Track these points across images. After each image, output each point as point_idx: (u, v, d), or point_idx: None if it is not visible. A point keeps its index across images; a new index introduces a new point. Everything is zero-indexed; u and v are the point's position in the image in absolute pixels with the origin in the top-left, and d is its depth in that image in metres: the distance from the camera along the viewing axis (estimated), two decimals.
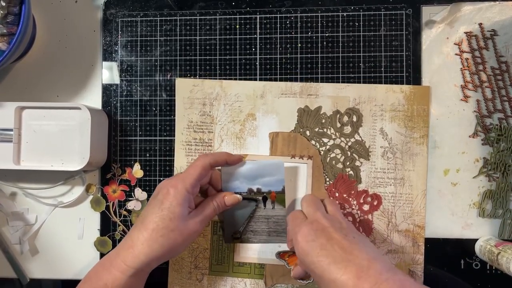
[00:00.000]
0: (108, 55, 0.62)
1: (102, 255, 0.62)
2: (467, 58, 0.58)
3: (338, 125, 0.59)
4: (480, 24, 0.58)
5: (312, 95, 0.59)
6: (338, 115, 0.59)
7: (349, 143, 0.59)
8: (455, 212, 0.58)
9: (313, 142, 0.59)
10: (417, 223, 0.58)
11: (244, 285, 0.60)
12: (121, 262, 0.48)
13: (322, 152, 0.59)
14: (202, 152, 0.60)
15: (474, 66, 0.58)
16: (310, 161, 0.59)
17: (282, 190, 0.58)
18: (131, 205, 0.62)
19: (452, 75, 0.58)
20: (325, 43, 0.60)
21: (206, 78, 0.61)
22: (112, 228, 0.62)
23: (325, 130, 0.59)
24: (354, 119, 0.59)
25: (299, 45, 0.60)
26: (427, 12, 0.59)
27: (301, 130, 0.59)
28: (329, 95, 0.59)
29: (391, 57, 0.59)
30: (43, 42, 0.63)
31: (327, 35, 0.60)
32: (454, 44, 0.58)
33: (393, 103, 0.58)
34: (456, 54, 0.58)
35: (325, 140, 0.59)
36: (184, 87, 0.61)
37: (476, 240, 0.58)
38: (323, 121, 0.59)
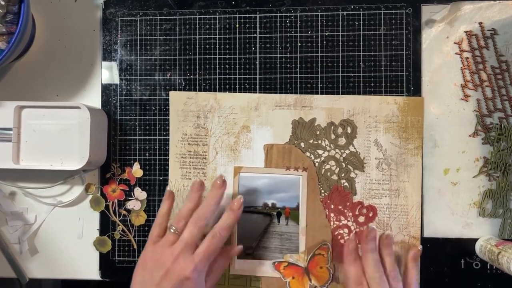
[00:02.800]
0: (107, 55, 0.62)
1: (101, 254, 0.62)
2: (467, 58, 0.58)
3: (333, 136, 0.59)
4: (480, 23, 0.57)
5: (306, 107, 0.59)
6: (332, 127, 0.59)
7: (344, 155, 0.59)
8: (455, 212, 0.58)
9: (307, 154, 0.59)
10: (413, 235, 0.58)
11: None
12: None
13: (317, 164, 0.59)
14: (197, 165, 0.60)
15: (474, 65, 0.58)
16: (305, 173, 0.59)
17: (296, 207, 0.58)
18: (130, 204, 0.62)
19: (452, 74, 0.58)
20: (325, 42, 0.60)
21: (200, 91, 0.61)
22: (112, 228, 0.62)
23: (319, 141, 0.59)
24: (349, 130, 0.59)
25: (299, 44, 0.60)
26: (427, 11, 0.59)
27: (295, 142, 0.59)
28: (323, 107, 0.59)
29: (391, 56, 0.59)
30: (42, 41, 0.63)
31: (327, 34, 0.60)
32: (454, 43, 0.58)
33: (387, 114, 0.58)
34: (456, 53, 0.58)
35: (320, 151, 0.59)
36: (178, 100, 0.61)
37: (476, 239, 0.58)
38: (318, 132, 0.59)
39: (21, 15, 0.54)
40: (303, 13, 0.60)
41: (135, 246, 0.61)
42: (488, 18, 0.57)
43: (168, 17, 0.62)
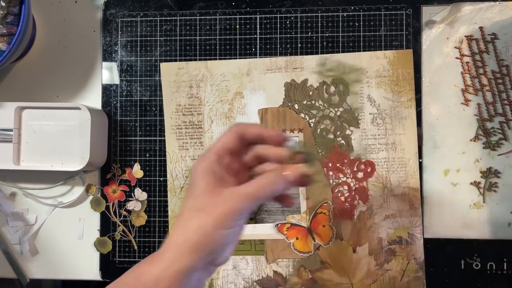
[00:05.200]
0: (108, 55, 0.62)
1: (102, 255, 0.62)
2: (468, 62, 0.58)
3: (326, 96, 0.59)
4: (481, 28, 0.57)
5: (298, 69, 0.60)
6: (324, 86, 0.59)
7: (338, 113, 0.59)
8: (455, 213, 0.58)
9: (302, 115, 0.59)
10: (412, 186, 0.58)
11: (246, 262, 0.60)
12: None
13: (312, 124, 0.59)
14: (193, 135, 0.60)
15: (475, 69, 0.58)
16: (301, 134, 0.59)
17: None
18: (131, 205, 0.62)
19: (452, 75, 0.58)
20: (325, 43, 0.60)
21: (191, 60, 0.61)
22: (112, 229, 0.62)
23: (313, 102, 0.59)
24: (341, 88, 0.59)
25: (299, 45, 0.60)
26: (427, 12, 0.59)
27: (289, 104, 0.60)
28: (314, 67, 0.59)
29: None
30: (43, 42, 0.63)
31: (327, 35, 0.60)
32: (455, 47, 0.58)
33: (378, 69, 0.59)
34: (456, 58, 0.58)
35: (314, 112, 0.59)
36: (169, 71, 0.61)
37: (476, 240, 0.58)
38: (311, 93, 0.59)
39: (21, 16, 0.54)
40: (303, 14, 0.60)
41: (136, 247, 0.62)
42: (488, 19, 0.57)
43: (168, 18, 0.62)
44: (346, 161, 0.59)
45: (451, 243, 0.58)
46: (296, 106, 0.59)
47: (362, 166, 0.59)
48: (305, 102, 0.59)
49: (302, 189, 0.59)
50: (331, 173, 0.59)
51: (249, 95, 0.60)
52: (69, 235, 0.62)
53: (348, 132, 0.59)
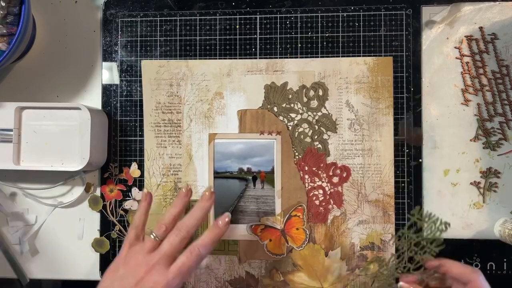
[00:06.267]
0: (108, 55, 0.62)
1: (101, 255, 0.62)
2: (468, 62, 0.58)
3: (305, 99, 0.59)
4: (481, 28, 0.57)
5: (278, 71, 0.60)
6: (304, 90, 0.59)
7: (316, 117, 0.59)
8: (455, 212, 0.58)
9: (281, 117, 0.59)
10: (386, 193, 0.58)
11: (219, 262, 0.60)
12: None
13: (290, 127, 0.59)
14: (172, 133, 0.61)
15: (475, 70, 0.58)
16: (279, 136, 0.59)
17: (271, 170, 0.59)
18: (128, 204, 0.62)
19: (452, 75, 0.58)
20: (325, 43, 0.60)
21: (171, 59, 0.61)
22: (110, 228, 0.62)
23: (292, 105, 0.59)
24: (320, 93, 0.59)
25: (299, 45, 0.60)
26: (427, 12, 0.59)
27: (268, 106, 0.60)
28: (294, 71, 0.59)
29: (391, 57, 0.59)
30: (43, 42, 0.63)
31: (327, 35, 0.60)
32: (455, 48, 0.58)
33: (357, 75, 0.59)
34: (456, 58, 0.58)
35: (293, 115, 0.59)
36: (150, 68, 0.61)
37: (476, 240, 0.58)
38: (290, 96, 0.59)
39: (21, 16, 0.54)
40: (303, 14, 0.60)
41: None
42: (488, 19, 0.57)
43: (168, 18, 0.62)
44: (322, 165, 0.59)
45: (451, 243, 0.58)
46: (275, 109, 0.59)
47: (338, 171, 0.59)
48: (284, 105, 0.59)
49: (278, 191, 0.59)
50: (306, 176, 0.59)
51: (229, 95, 0.60)
52: (69, 235, 0.62)
53: (325, 136, 0.59)
